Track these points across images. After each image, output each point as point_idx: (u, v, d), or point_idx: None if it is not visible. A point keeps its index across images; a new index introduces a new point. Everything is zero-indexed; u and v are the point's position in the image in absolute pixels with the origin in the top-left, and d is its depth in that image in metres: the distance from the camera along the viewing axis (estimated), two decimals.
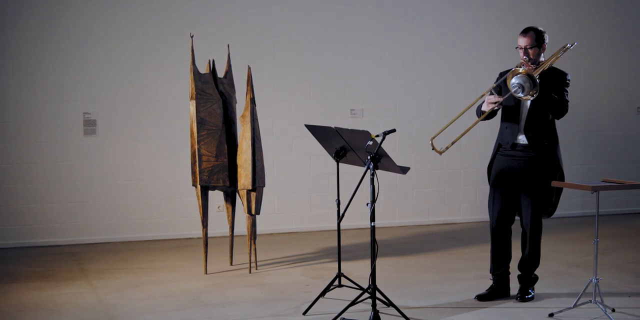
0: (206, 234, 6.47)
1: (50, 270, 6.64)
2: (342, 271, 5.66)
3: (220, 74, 6.70)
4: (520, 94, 5.14)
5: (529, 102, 5.35)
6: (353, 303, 5.05)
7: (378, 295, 5.02)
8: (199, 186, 6.37)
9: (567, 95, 5.45)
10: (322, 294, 5.39)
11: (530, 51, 5.39)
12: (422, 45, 8.90)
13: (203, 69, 6.72)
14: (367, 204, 4.87)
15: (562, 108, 5.38)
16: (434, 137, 5.42)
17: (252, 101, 6.43)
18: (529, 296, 5.52)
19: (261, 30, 8.32)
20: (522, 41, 5.41)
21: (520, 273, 5.63)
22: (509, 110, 5.47)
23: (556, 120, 5.54)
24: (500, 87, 5.46)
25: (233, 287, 6.00)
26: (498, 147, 5.60)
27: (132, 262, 7.00)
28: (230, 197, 6.74)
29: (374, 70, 8.75)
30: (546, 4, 9.36)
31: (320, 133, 5.54)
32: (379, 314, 4.87)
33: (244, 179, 6.39)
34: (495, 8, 9.14)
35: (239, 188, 6.44)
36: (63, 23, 7.74)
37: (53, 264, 6.89)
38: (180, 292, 5.87)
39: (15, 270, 6.67)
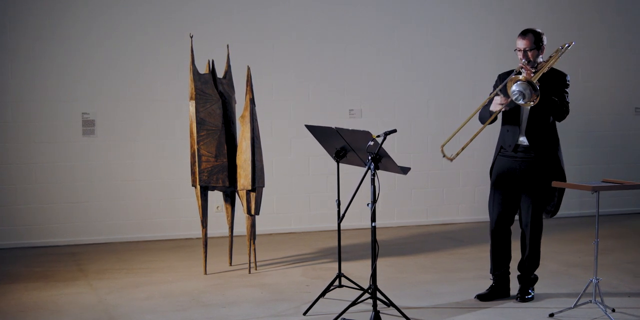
0: (206, 234, 6.46)
1: (49, 271, 6.63)
2: (341, 271, 5.65)
3: (220, 74, 6.69)
4: (521, 101, 5.12)
5: None
6: (354, 303, 5.05)
7: (379, 295, 5.02)
8: (198, 186, 6.36)
9: (567, 96, 5.44)
10: (323, 294, 5.39)
11: (529, 54, 5.38)
12: (421, 46, 8.90)
13: (202, 69, 6.72)
14: (368, 205, 4.86)
15: (563, 110, 5.37)
16: (444, 145, 5.40)
17: (252, 101, 6.43)
18: (529, 296, 5.52)
19: (260, 31, 8.31)
20: (521, 43, 5.39)
21: (520, 273, 5.63)
22: (510, 113, 5.46)
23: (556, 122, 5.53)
24: (502, 92, 5.44)
25: (233, 288, 6.00)
26: (499, 149, 5.59)
27: (132, 262, 6.99)
28: (230, 198, 6.73)
29: (373, 71, 8.75)
30: (545, 4, 9.36)
31: (321, 133, 5.53)
32: (380, 314, 4.87)
33: (244, 179, 6.38)
34: (494, 8, 9.15)
35: (238, 188, 6.44)
36: (62, 23, 7.73)
37: (52, 265, 6.88)
38: (180, 292, 5.87)
39: (15, 271, 6.66)
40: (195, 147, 6.35)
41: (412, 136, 8.81)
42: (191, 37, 6.51)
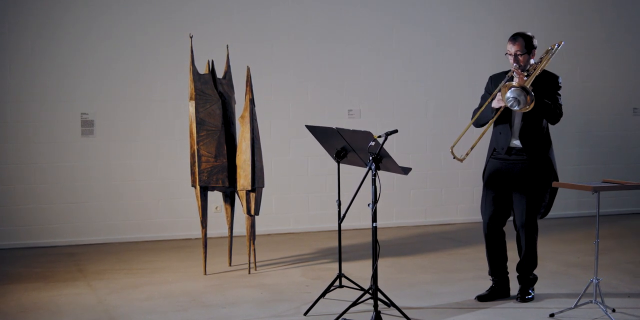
0: (205, 234, 6.46)
1: (49, 271, 6.62)
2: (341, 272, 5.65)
3: (220, 74, 6.69)
4: (516, 108, 5.12)
5: None
6: (355, 303, 5.05)
7: (379, 295, 5.02)
8: (198, 187, 6.36)
9: (560, 99, 5.42)
10: (323, 294, 5.38)
11: (520, 58, 5.35)
12: (420, 46, 8.91)
13: (202, 69, 6.71)
14: (369, 205, 4.86)
15: (556, 113, 5.36)
16: (453, 146, 5.40)
17: (252, 102, 6.43)
18: (529, 297, 5.52)
19: (259, 31, 8.31)
20: (512, 48, 5.36)
21: (519, 274, 5.62)
22: (503, 116, 5.43)
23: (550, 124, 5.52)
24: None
25: (233, 288, 6.00)
26: (492, 151, 5.58)
27: (131, 262, 6.99)
28: (230, 198, 6.73)
29: (372, 71, 8.76)
30: (544, 4, 9.38)
31: (321, 133, 5.53)
32: (380, 314, 4.87)
33: (243, 179, 6.38)
34: (493, 9, 9.16)
35: (238, 189, 6.44)
36: (61, 23, 7.73)
37: (52, 265, 6.87)
38: (180, 292, 5.87)
39: (14, 271, 6.65)
40: (195, 147, 6.35)
41: (410, 136, 8.81)
42: (191, 38, 6.51)
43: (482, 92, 5.71)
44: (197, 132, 6.34)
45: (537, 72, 5.32)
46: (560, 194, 9.32)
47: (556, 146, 9.38)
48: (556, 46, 5.50)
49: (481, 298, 5.55)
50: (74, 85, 7.79)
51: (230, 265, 6.77)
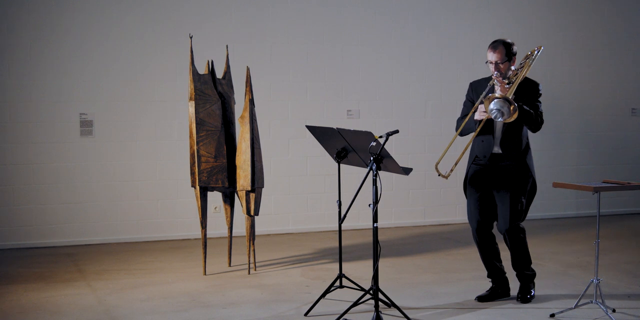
0: (205, 235, 6.46)
1: (48, 272, 6.61)
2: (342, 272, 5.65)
3: (219, 74, 6.68)
4: (500, 119, 5.10)
5: None
6: (355, 304, 5.04)
7: (380, 296, 5.01)
8: (198, 187, 6.36)
9: (540, 106, 5.38)
10: (324, 294, 5.38)
11: (501, 66, 5.32)
12: (419, 47, 8.92)
13: (201, 69, 6.71)
14: (369, 205, 4.86)
15: (538, 122, 5.32)
16: (438, 163, 5.39)
17: (251, 102, 6.42)
18: (530, 295, 5.50)
19: (259, 32, 8.31)
20: (492, 56, 5.33)
21: (516, 272, 5.61)
22: (485, 125, 5.40)
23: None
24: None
25: (233, 288, 5.99)
26: (474, 158, 5.57)
27: (130, 263, 6.98)
28: (229, 198, 6.73)
29: (371, 71, 8.76)
30: (543, 6, 9.39)
31: (321, 134, 5.53)
32: (381, 315, 4.87)
33: (243, 179, 6.38)
34: (491, 9, 9.17)
35: (237, 189, 6.43)
36: (60, 23, 7.72)
37: (51, 265, 6.86)
38: (180, 293, 5.86)
39: (13, 272, 6.64)
40: (195, 147, 6.35)
41: (409, 137, 8.82)
42: (191, 38, 6.51)
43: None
44: (197, 133, 6.34)
45: (519, 80, 5.29)
46: (559, 194, 9.41)
47: (555, 146, 9.52)
48: (536, 51, 5.46)
49: (481, 298, 5.56)
50: (73, 86, 7.78)
51: (229, 265, 6.76)
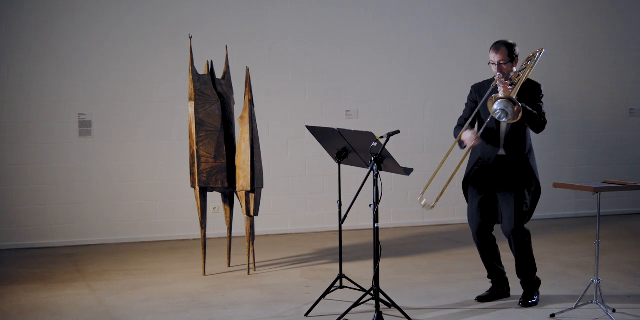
0: (204, 235, 6.45)
1: (47, 272, 6.60)
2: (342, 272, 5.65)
3: (219, 75, 6.68)
4: (504, 120, 5.08)
5: None
6: (356, 304, 5.04)
7: (381, 296, 5.01)
8: (197, 187, 6.35)
9: (543, 106, 5.37)
10: (324, 295, 5.37)
11: (503, 67, 5.32)
12: (418, 47, 8.92)
13: (200, 70, 6.70)
14: (370, 206, 4.85)
15: (542, 122, 5.30)
16: (422, 193, 5.41)
17: (251, 102, 6.42)
18: (532, 301, 5.43)
19: (258, 32, 8.31)
20: (495, 57, 5.34)
21: (521, 280, 5.55)
22: (491, 128, 5.39)
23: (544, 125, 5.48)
24: (482, 110, 5.40)
25: (233, 289, 5.99)
26: (477, 160, 5.55)
27: (130, 263, 6.97)
28: (229, 199, 6.72)
29: (370, 72, 8.76)
30: (543, 6, 9.39)
31: (322, 134, 5.52)
32: (382, 315, 4.86)
33: (243, 180, 6.37)
34: (491, 10, 9.17)
35: (237, 189, 6.43)
36: (59, 23, 7.71)
37: (50, 266, 6.85)
38: (180, 293, 5.85)
39: (13, 272, 6.63)
40: (195, 148, 6.34)
41: (408, 137, 8.82)
42: (190, 38, 6.50)
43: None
44: (197, 133, 6.33)
45: (522, 81, 5.28)
46: (559, 194, 9.40)
47: (555, 147, 9.52)
48: (538, 53, 5.45)
49: (482, 299, 5.55)
50: (72, 86, 7.77)
51: (229, 266, 6.76)
